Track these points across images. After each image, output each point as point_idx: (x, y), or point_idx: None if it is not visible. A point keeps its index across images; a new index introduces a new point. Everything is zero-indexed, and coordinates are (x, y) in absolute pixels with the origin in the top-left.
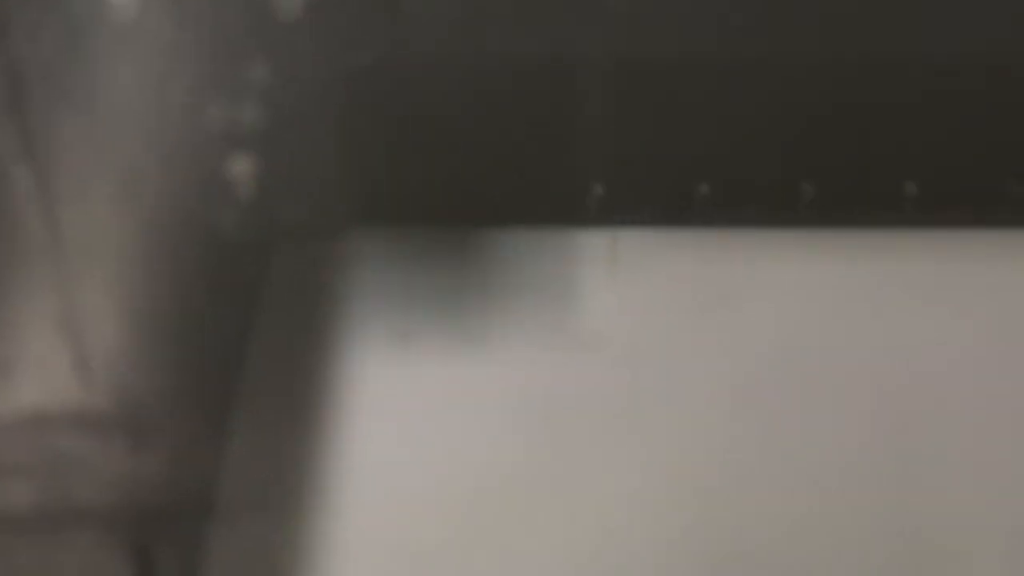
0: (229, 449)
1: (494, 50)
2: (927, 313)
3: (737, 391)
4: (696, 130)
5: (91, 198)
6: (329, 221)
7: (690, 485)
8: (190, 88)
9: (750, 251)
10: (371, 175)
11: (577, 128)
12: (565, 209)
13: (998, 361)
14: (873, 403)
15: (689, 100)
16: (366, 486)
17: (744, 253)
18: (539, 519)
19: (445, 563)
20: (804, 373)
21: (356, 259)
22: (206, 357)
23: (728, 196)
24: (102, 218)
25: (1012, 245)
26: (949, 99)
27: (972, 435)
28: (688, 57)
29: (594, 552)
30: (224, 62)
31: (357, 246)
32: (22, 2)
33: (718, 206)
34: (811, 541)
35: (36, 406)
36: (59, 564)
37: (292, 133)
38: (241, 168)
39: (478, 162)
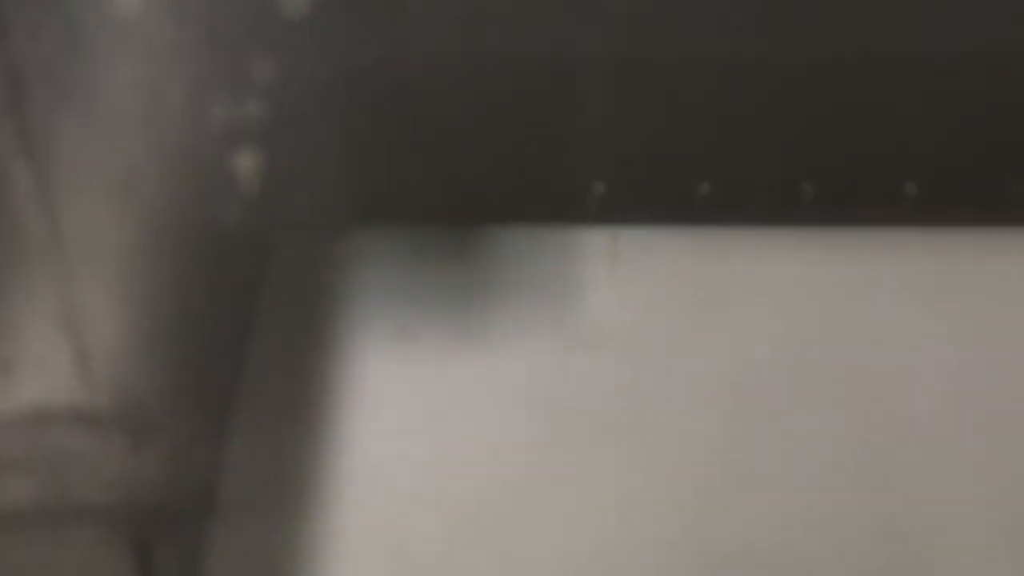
0: (230, 447)
1: (495, 49)
2: (927, 312)
3: (737, 389)
4: (697, 129)
5: (92, 196)
6: (331, 219)
7: (691, 483)
8: (193, 85)
9: (750, 250)
10: (373, 173)
11: (578, 127)
12: (566, 207)
13: (999, 360)
14: (874, 401)
15: (690, 99)
16: (366, 484)
17: (744, 252)
18: (540, 517)
19: (445, 561)
20: (804, 372)
21: (357, 257)
22: (207, 355)
23: (729, 195)
24: (103, 217)
25: (1012, 245)
26: (949, 99)
27: (973, 434)
28: (689, 56)
29: (596, 549)
30: (228, 59)
31: (359, 244)
32: None
33: (719, 205)
34: (813, 539)
35: (36, 404)
36: (59, 562)
37: (295, 131)
38: (244, 165)
39: (480, 160)
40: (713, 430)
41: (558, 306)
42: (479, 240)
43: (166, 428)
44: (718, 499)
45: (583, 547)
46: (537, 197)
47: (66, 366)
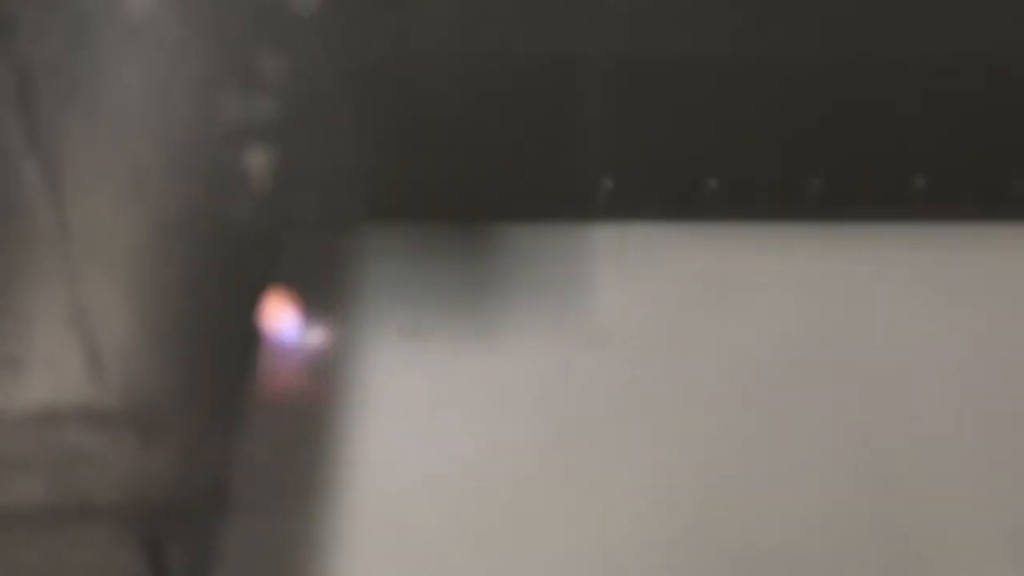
0: (240, 444)
1: (505, 47)
2: (935, 306)
3: (746, 385)
4: (704, 125)
5: (101, 195)
6: (340, 215)
7: (700, 479)
8: (202, 82)
9: (759, 245)
10: (383, 170)
11: (586, 124)
12: (574, 204)
13: (1007, 355)
14: (882, 397)
15: (697, 96)
16: (377, 481)
17: (753, 247)
18: (549, 514)
19: (455, 557)
20: (813, 367)
21: (367, 254)
22: (217, 353)
23: (736, 190)
24: (112, 215)
25: (1018, 241)
26: (955, 97)
27: (980, 430)
28: (696, 54)
29: (606, 545)
30: (237, 56)
31: (368, 241)
32: None
33: (726, 200)
34: (821, 536)
35: (46, 402)
36: (69, 560)
37: (306, 127)
38: (254, 163)
39: (488, 158)
40: (722, 425)
41: (566, 302)
42: (487, 237)
43: (176, 425)
44: (729, 494)
45: (592, 545)
46: (545, 194)
47: (75, 364)
